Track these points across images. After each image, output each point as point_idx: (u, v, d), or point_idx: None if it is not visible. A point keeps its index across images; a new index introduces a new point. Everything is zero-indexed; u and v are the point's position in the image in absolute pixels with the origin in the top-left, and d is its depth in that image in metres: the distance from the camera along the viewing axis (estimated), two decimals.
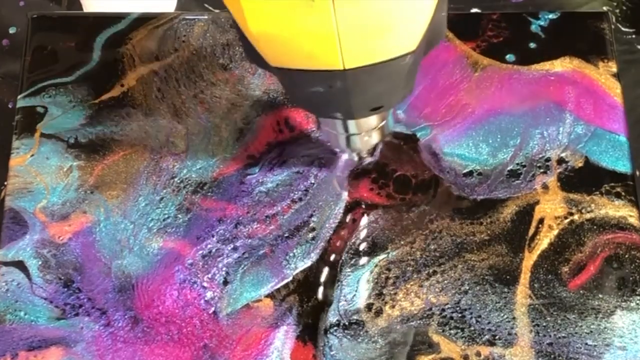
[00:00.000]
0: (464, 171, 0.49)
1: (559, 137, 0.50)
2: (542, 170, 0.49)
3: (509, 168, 0.49)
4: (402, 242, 0.47)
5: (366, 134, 0.42)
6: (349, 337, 0.45)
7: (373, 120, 0.41)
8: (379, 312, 0.45)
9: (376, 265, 0.46)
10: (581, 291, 0.46)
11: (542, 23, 0.53)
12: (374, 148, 0.49)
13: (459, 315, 0.45)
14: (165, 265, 0.47)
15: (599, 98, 0.51)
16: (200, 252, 0.47)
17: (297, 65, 0.34)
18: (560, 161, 0.49)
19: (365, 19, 0.31)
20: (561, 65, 0.52)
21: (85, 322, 0.45)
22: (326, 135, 0.48)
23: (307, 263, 0.47)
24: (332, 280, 0.46)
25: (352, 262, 0.47)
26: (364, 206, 0.48)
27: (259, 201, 0.48)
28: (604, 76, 0.51)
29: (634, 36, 0.63)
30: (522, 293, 0.46)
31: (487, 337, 0.45)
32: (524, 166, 0.49)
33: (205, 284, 0.46)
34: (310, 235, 0.47)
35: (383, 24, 0.31)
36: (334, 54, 0.32)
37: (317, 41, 0.31)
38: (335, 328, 0.45)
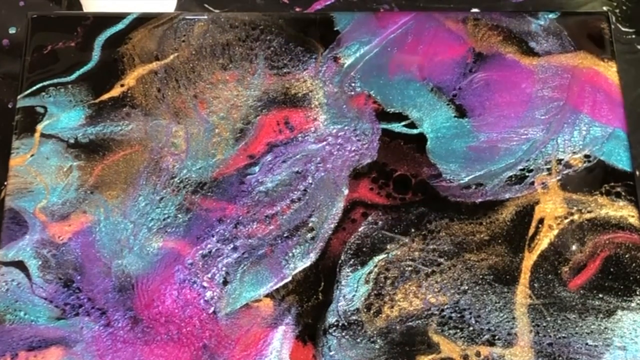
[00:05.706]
0: (462, 183, 0.49)
1: (571, 140, 0.49)
2: (545, 173, 0.49)
3: (512, 174, 0.49)
4: (402, 242, 0.47)
5: None
6: (348, 337, 0.45)
7: None
8: (378, 312, 0.45)
9: (375, 266, 0.46)
10: (581, 291, 0.46)
11: (542, 23, 0.53)
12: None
13: (459, 315, 0.45)
14: (165, 265, 0.47)
15: (606, 96, 0.51)
16: (200, 252, 0.47)
17: None
18: (561, 161, 0.49)
19: None
20: (571, 62, 0.52)
21: (85, 322, 0.45)
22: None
23: (307, 263, 0.47)
24: (331, 281, 0.46)
25: (351, 262, 0.47)
26: (363, 206, 0.48)
27: (259, 201, 0.48)
28: (612, 74, 0.51)
29: (634, 36, 0.63)
30: (522, 293, 0.46)
31: (486, 337, 0.45)
32: (531, 170, 0.49)
33: (205, 284, 0.46)
34: (310, 235, 0.47)
35: None
36: None
37: None
38: (334, 328, 0.45)
